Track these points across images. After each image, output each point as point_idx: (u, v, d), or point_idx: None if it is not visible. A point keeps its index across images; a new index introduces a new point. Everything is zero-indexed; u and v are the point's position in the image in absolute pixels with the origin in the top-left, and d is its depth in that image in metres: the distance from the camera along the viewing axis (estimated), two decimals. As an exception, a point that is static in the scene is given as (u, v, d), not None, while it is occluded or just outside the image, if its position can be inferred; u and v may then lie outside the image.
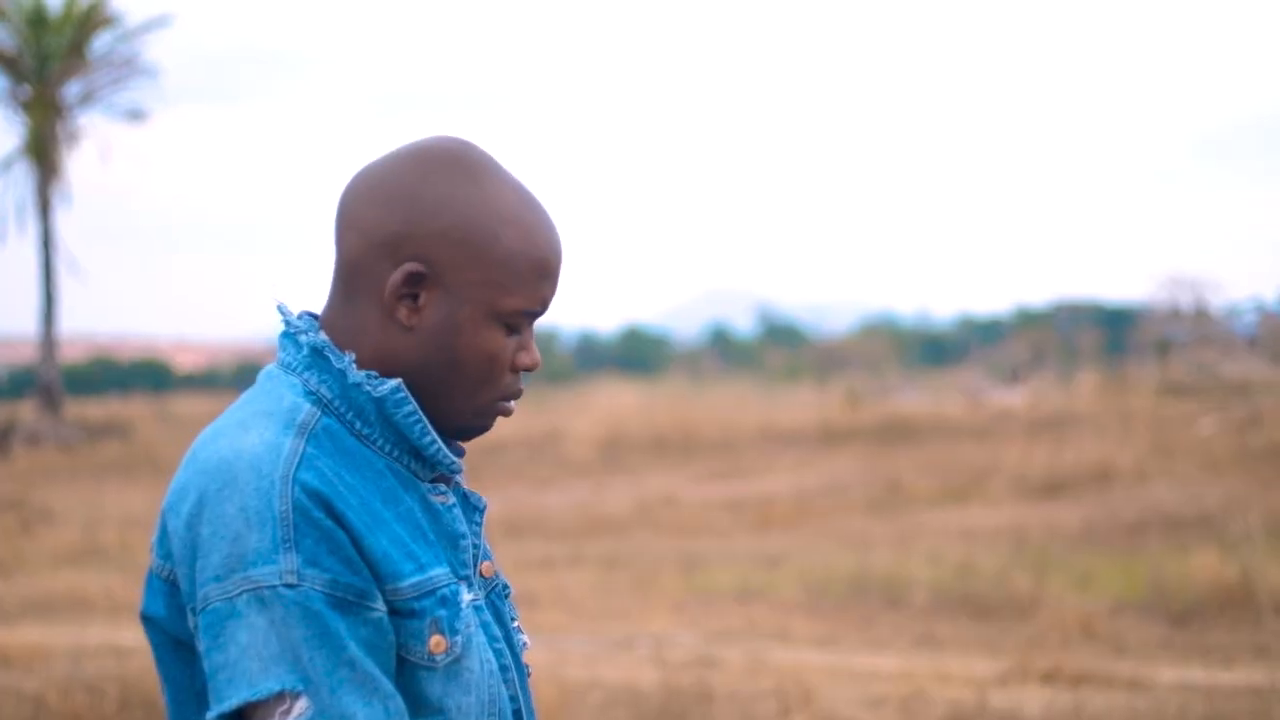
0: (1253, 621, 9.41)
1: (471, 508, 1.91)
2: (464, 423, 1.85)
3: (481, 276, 1.79)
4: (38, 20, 30.52)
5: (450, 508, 1.84)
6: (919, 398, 28.34)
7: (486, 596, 1.89)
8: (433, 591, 1.74)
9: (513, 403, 1.87)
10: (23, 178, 30.44)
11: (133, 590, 11.50)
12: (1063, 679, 8.07)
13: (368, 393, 1.78)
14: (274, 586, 1.64)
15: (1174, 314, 39.07)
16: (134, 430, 27.27)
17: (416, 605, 1.72)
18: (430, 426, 1.81)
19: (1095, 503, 14.55)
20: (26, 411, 30.02)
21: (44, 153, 29.97)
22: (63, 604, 11.01)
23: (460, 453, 1.90)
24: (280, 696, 1.64)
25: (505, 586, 1.94)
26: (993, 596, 10.31)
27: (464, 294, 1.79)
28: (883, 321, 59.86)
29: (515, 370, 1.84)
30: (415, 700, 1.74)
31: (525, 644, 1.94)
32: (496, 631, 1.87)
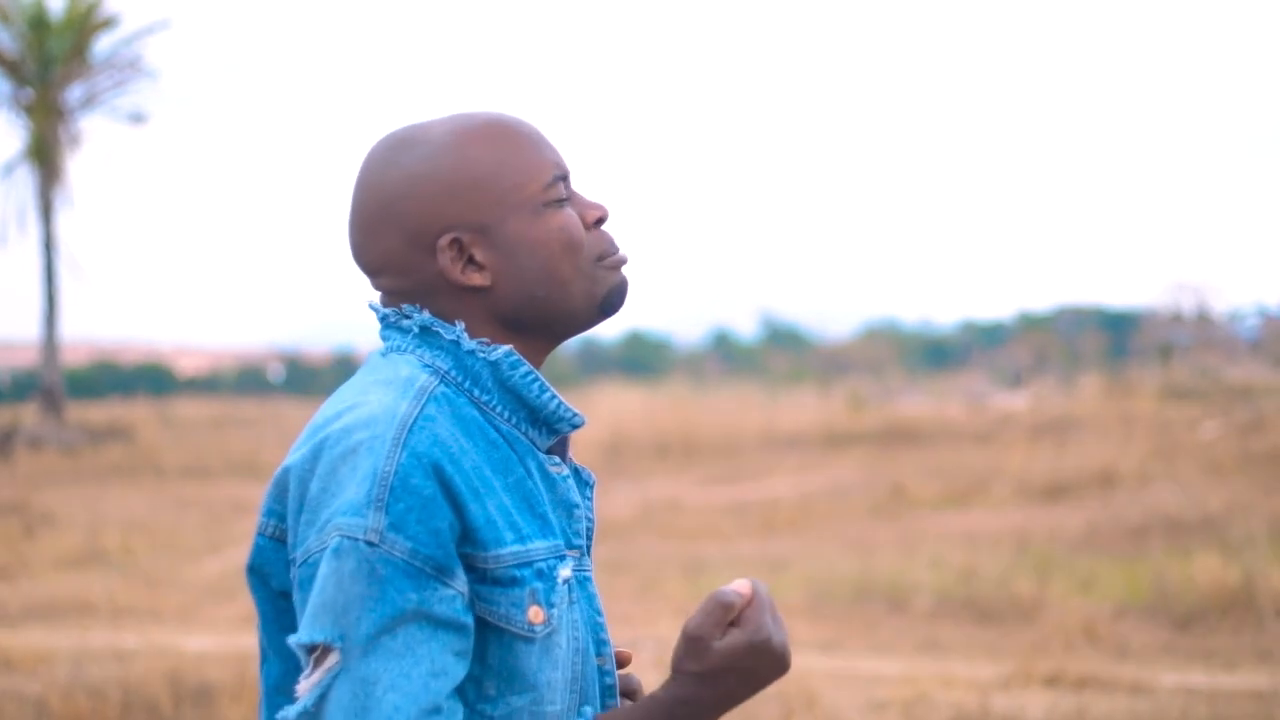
0: (1255, 625, 9.41)
1: (583, 482, 1.93)
2: (592, 298, 1.85)
3: (495, 194, 1.81)
4: (39, 23, 30.54)
5: (565, 478, 1.86)
6: (921, 401, 28.33)
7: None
8: (530, 563, 1.75)
9: (617, 256, 1.87)
10: (25, 181, 30.48)
11: (135, 593, 11.51)
12: (1065, 683, 8.07)
13: (482, 358, 1.80)
14: (355, 539, 1.66)
15: (1176, 318, 39.08)
16: (136, 434, 27.26)
17: (517, 573, 1.73)
18: (548, 384, 1.83)
19: (1098, 506, 14.55)
20: (28, 415, 30.02)
21: (46, 156, 29.99)
22: (65, 607, 11.01)
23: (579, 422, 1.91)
24: (318, 645, 1.66)
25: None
26: (995, 600, 10.30)
27: (499, 217, 1.81)
28: (885, 326, 59.86)
29: (589, 228, 1.85)
30: (512, 674, 1.75)
31: None
32: (600, 604, 1.90)
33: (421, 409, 1.73)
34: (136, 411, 32.47)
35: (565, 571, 1.79)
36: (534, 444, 1.83)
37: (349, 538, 1.66)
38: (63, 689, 7.73)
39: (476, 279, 1.80)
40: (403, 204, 1.80)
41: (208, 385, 47.84)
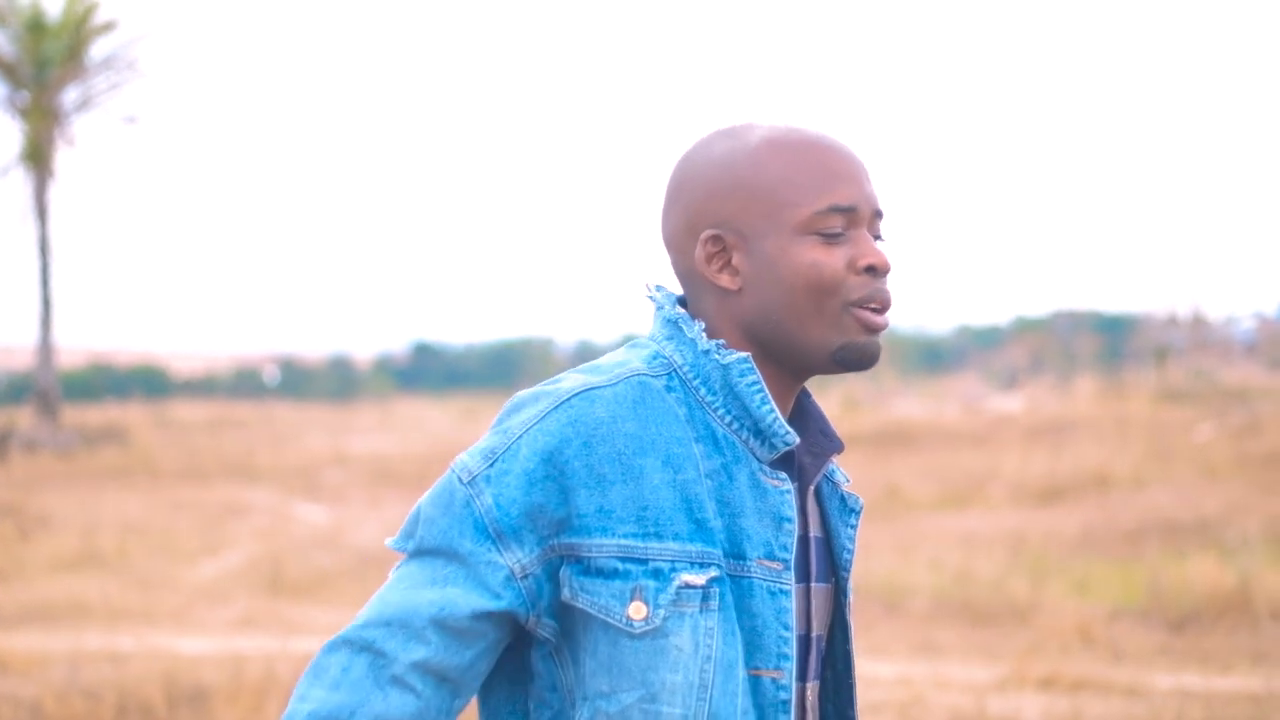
0: (1250, 627, 9.42)
1: (849, 510, 2.06)
2: (826, 344, 1.84)
3: (766, 206, 1.83)
4: (36, 26, 30.53)
5: (783, 492, 1.85)
6: (917, 404, 28.33)
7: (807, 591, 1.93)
8: (645, 560, 1.75)
9: (873, 310, 1.85)
10: (21, 184, 30.46)
11: (130, 596, 11.50)
12: (1061, 685, 8.07)
13: (716, 360, 1.83)
14: (454, 472, 1.79)
15: (1172, 321, 39.09)
16: (131, 436, 27.25)
17: (620, 565, 1.75)
18: (770, 397, 1.84)
19: (1093, 509, 14.55)
20: (24, 418, 29.99)
21: (42, 158, 29.97)
22: (60, 610, 11.00)
23: (837, 448, 1.98)
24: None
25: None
26: (991, 602, 10.31)
27: (762, 230, 1.83)
28: (881, 328, 59.73)
29: (858, 273, 1.83)
30: (616, 668, 1.76)
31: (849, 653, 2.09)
32: (792, 618, 1.87)
33: (596, 387, 1.79)
34: (132, 414, 32.45)
35: (693, 578, 1.76)
36: (754, 453, 1.84)
37: (454, 471, 1.79)
38: (58, 691, 7.73)
39: (725, 280, 1.85)
40: (691, 188, 1.87)
41: (203, 388, 47.81)
